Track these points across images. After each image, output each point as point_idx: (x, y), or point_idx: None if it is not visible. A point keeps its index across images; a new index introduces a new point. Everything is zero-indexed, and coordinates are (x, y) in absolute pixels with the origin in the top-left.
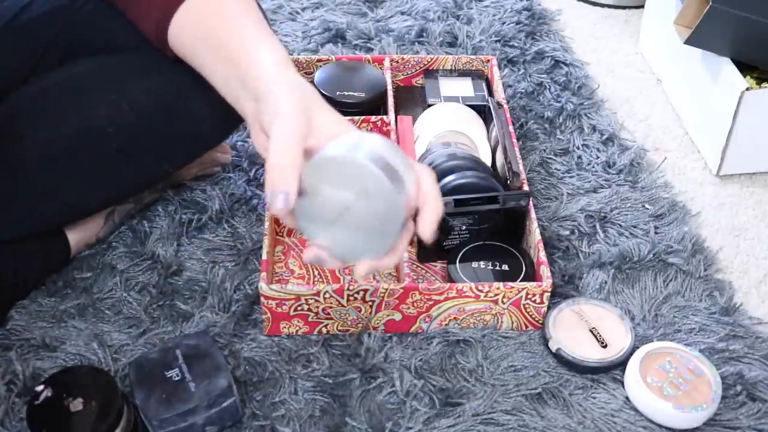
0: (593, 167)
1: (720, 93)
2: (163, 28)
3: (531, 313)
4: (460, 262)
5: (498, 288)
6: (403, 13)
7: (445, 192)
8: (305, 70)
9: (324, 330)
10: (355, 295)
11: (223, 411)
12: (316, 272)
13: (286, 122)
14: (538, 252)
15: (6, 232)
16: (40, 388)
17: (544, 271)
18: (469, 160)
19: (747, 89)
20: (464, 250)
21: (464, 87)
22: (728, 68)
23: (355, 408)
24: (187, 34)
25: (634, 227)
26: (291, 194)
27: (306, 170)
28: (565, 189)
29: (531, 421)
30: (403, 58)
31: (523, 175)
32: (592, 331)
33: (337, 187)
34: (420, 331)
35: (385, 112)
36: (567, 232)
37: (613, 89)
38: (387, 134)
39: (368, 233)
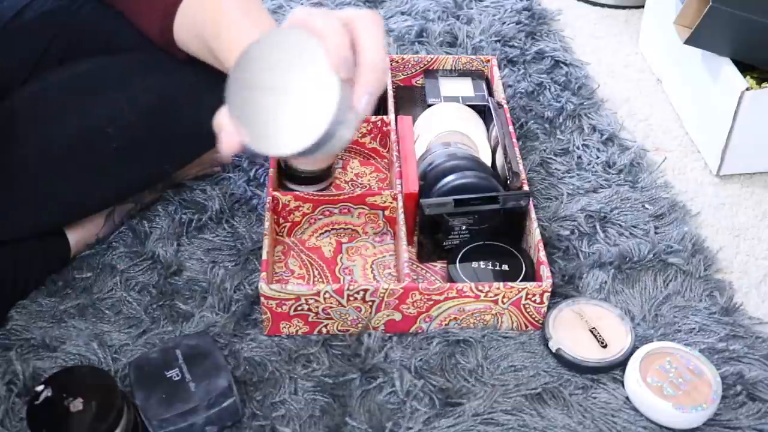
0: (593, 167)
1: (720, 93)
2: (168, 29)
3: (531, 313)
4: (460, 262)
5: (498, 288)
6: (403, 13)
7: (445, 192)
8: None
9: (324, 330)
10: (355, 295)
11: (223, 411)
12: (316, 272)
13: None
14: (538, 252)
15: (6, 232)
16: (40, 388)
17: (544, 271)
18: (469, 160)
19: (747, 89)
20: (464, 250)
21: (464, 87)
22: (728, 68)
23: (355, 408)
24: (187, 31)
25: (634, 227)
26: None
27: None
28: (565, 189)
29: (531, 421)
30: (403, 58)
31: (523, 175)
32: (592, 331)
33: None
34: (420, 331)
35: (385, 112)
36: (567, 232)
37: (613, 89)
38: (387, 134)
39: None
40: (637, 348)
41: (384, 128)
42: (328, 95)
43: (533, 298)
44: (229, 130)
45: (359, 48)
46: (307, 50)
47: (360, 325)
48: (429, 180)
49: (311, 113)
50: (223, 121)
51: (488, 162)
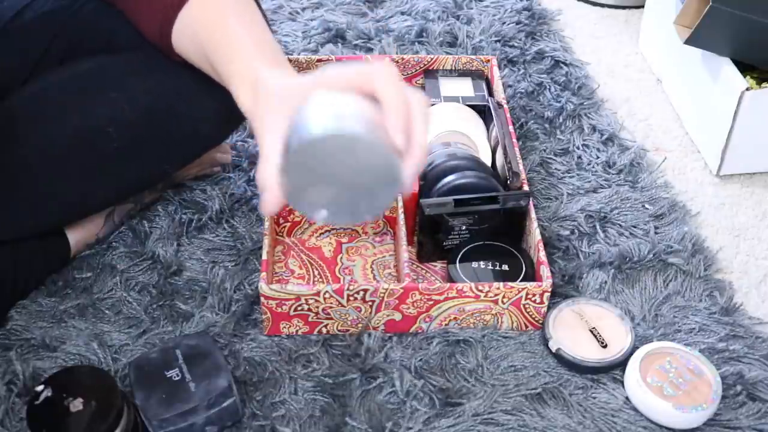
0: (593, 167)
1: (720, 93)
2: (166, 33)
3: (531, 313)
4: (460, 262)
5: (498, 288)
6: (403, 13)
7: (445, 192)
8: (305, 70)
9: (324, 330)
10: (355, 295)
11: (223, 411)
12: (316, 272)
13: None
14: (538, 252)
15: (6, 232)
16: (40, 388)
17: (544, 271)
18: (469, 160)
19: (747, 89)
20: (464, 250)
21: (464, 87)
22: (728, 68)
23: (355, 408)
24: (186, 39)
25: (634, 227)
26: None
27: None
28: (565, 189)
29: (531, 421)
30: (403, 58)
31: (523, 175)
32: (592, 331)
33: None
34: (420, 331)
35: None
36: (567, 232)
37: (613, 89)
38: None
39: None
40: (637, 348)
41: None
42: (391, 188)
43: (533, 298)
44: (275, 193)
45: (411, 126)
46: (375, 153)
47: (360, 325)
48: (429, 180)
49: (374, 201)
50: (270, 182)
51: (488, 162)
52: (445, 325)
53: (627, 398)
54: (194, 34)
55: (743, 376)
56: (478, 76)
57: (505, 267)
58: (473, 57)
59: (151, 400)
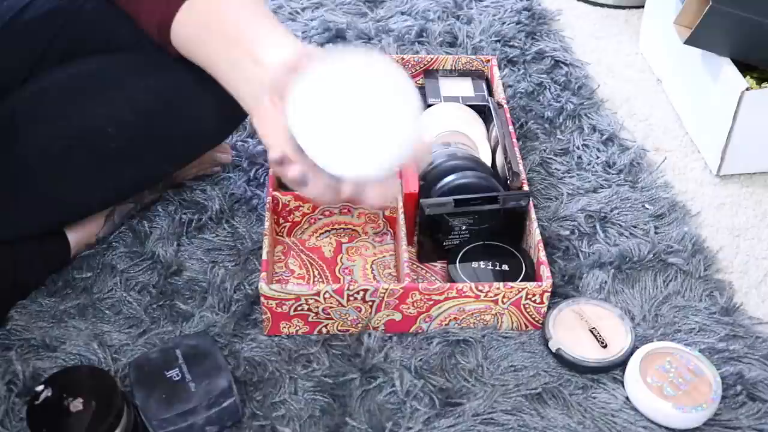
0: (593, 167)
1: (720, 93)
2: (166, 26)
3: (531, 313)
4: (460, 262)
5: (498, 288)
6: (403, 13)
7: (445, 192)
8: None
9: (324, 330)
10: (355, 295)
11: (223, 411)
12: (316, 272)
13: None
14: (538, 252)
15: (6, 232)
16: (40, 388)
17: (544, 271)
18: (469, 160)
19: (747, 89)
20: (464, 250)
21: (464, 87)
22: (728, 68)
23: (355, 408)
24: (192, 26)
25: (634, 227)
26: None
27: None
28: (565, 189)
29: (531, 421)
30: (403, 58)
31: (523, 175)
32: (592, 331)
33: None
34: (420, 331)
35: None
36: (567, 232)
37: (613, 89)
38: None
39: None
40: (637, 348)
41: None
42: (414, 115)
43: (533, 298)
44: (293, 163)
45: None
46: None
47: (360, 325)
48: (429, 180)
49: (397, 134)
50: (279, 156)
51: (488, 162)
52: (445, 325)
53: (627, 398)
54: (199, 26)
55: (743, 376)
56: (478, 76)
57: (505, 267)
58: (473, 57)
59: (151, 400)
